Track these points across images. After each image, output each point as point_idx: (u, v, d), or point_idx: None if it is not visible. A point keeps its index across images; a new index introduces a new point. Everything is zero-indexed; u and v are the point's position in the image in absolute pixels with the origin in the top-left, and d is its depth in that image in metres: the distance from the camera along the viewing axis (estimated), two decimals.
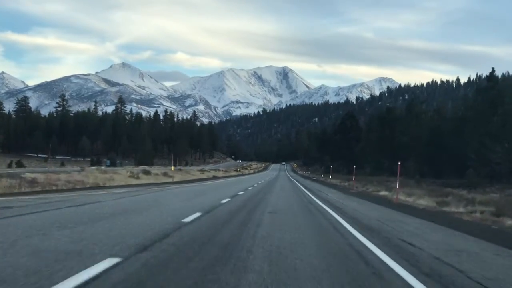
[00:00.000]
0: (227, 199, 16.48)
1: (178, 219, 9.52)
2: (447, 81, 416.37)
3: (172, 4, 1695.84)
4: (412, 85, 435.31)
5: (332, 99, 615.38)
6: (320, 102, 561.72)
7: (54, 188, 20.12)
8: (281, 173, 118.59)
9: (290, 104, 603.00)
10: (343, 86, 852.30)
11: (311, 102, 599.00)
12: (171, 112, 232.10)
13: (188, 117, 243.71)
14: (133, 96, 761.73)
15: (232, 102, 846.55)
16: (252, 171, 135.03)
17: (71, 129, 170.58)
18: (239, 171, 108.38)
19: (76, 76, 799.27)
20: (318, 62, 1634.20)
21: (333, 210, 14.49)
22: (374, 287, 4.80)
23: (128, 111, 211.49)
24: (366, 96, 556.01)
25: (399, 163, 19.45)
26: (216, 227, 8.91)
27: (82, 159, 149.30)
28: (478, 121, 42.95)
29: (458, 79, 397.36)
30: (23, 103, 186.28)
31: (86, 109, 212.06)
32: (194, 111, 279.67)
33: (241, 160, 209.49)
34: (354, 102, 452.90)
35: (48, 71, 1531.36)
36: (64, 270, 4.65)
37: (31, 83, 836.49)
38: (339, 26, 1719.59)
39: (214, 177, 55.47)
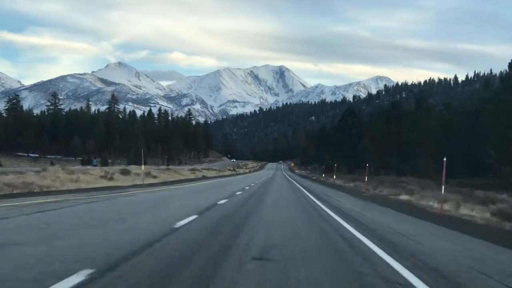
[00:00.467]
0: (192, 217, 10.68)
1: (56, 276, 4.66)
2: (445, 79, 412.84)
3: (168, 3, 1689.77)
4: (409, 83, 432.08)
5: (329, 98, 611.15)
6: (316, 101, 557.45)
7: None
8: (277, 172, 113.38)
9: (286, 103, 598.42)
10: (339, 85, 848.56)
11: (308, 101, 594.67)
12: (165, 111, 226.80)
13: (183, 115, 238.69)
14: (129, 95, 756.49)
15: (229, 101, 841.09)
16: (247, 171, 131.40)
17: (63, 128, 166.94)
18: (234, 170, 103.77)
19: (72, 76, 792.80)
20: (314, 61, 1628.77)
21: (364, 235, 9.09)
22: None
23: (122, 109, 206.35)
24: (362, 95, 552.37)
25: (445, 159, 14.35)
26: None
27: (74, 159, 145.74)
28: (501, 113, 38.09)
29: (456, 77, 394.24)
30: (14, 102, 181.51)
31: (81, 108, 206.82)
32: (189, 109, 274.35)
33: (236, 160, 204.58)
34: (351, 101, 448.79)
35: (44, 70, 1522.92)
36: None
37: (27, 82, 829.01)
38: (335, 25, 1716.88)
39: (203, 177, 50.09)
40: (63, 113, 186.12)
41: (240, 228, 9.55)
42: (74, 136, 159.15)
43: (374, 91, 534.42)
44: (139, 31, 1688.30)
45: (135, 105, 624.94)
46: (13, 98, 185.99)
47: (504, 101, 38.64)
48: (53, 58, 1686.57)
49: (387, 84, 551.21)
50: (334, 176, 52.42)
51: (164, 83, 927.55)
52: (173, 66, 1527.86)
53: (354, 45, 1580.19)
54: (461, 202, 16.92)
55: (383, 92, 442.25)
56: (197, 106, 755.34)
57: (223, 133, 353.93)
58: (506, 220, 12.10)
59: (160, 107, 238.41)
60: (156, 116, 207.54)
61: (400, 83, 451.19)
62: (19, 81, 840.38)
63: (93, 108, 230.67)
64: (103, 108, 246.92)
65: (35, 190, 19.15)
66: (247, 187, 30.25)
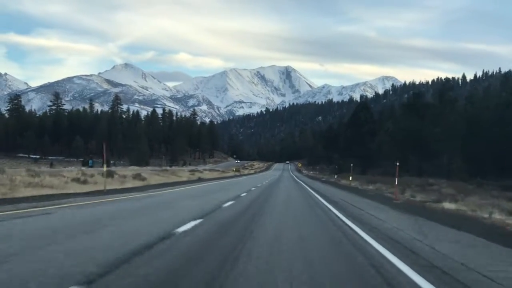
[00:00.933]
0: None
1: None
2: (453, 78, 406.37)
3: (174, 4, 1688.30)
4: (417, 82, 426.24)
5: (335, 98, 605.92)
6: (323, 101, 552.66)
7: None
8: (284, 173, 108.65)
9: (293, 103, 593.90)
10: (346, 85, 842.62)
11: (315, 101, 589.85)
12: (169, 111, 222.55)
13: (188, 115, 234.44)
14: (136, 96, 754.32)
15: (235, 102, 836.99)
16: (253, 171, 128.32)
17: (65, 128, 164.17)
18: (238, 171, 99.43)
19: (78, 77, 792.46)
20: (321, 61, 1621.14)
21: None
22: None
23: (125, 110, 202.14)
24: (369, 95, 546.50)
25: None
26: None
27: (75, 160, 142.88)
28: None
29: (464, 76, 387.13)
30: (16, 102, 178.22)
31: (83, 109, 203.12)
32: (194, 109, 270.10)
33: (240, 160, 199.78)
34: (358, 100, 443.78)
35: (51, 72, 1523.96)
36: None
37: (34, 84, 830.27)
38: (342, 25, 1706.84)
39: (199, 180, 44.42)
40: (65, 113, 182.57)
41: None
42: (76, 137, 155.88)
43: (381, 91, 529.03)
44: (145, 32, 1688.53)
45: (141, 106, 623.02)
46: (15, 98, 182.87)
47: None
48: (59, 59, 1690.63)
49: (394, 84, 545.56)
50: (351, 178, 47.32)
51: (171, 84, 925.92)
52: (179, 67, 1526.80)
53: (360, 45, 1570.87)
54: None
55: (391, 92, 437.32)
56: (204, 107, 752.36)
57: (230, 134, 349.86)
58: None
59: (164, 107, 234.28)
60: (160, 116, 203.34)
61: (407, 83, 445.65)
62: (26, 83, 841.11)
63: (100, 109, 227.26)
64: (108, 109, 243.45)
65: None
66: (244, 194, 23.67)
